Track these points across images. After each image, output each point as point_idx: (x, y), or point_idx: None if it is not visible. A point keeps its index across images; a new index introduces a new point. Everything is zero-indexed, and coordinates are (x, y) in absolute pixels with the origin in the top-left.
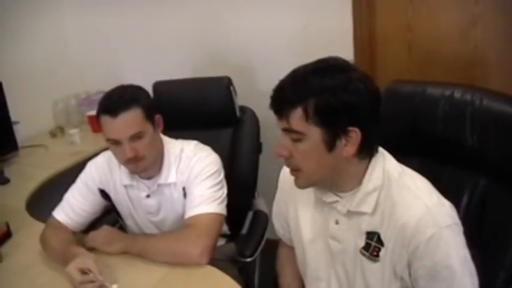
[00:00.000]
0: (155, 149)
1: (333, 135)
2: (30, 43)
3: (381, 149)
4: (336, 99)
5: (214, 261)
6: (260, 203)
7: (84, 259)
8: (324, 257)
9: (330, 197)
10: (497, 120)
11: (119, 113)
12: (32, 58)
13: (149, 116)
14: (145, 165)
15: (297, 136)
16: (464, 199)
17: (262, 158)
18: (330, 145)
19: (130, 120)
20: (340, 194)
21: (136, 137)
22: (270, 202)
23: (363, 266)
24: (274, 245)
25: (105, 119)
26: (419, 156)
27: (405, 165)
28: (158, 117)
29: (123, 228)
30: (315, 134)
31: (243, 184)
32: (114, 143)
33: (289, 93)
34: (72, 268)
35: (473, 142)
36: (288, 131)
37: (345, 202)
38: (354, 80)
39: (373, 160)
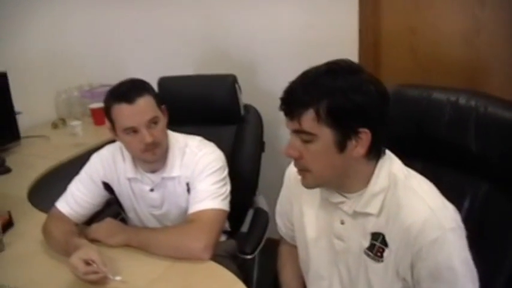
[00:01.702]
0: (166, 137)
1: (344, 136)
2: (35, 34)
3: (387, 151)
4: (348, 101)
5: (214, 257)
6: (260, 201)
7: (88, 250)
8: (327, 256)
9: (336, 198)
10: (501, 126)
11: (135, 99)
12: (36, 49)
13: (159, 104)
14: (161, 152)
15: (308, 137)
16: (466, 204)
17: (264, 157)
18: (341, 146)
19: (146, 105)
20: (346, 195)
21: (153, 122)
22: (270, 200)
23: (367, 266)
24: (273, 243)
25: (121, 107)
26: (422, 159)
27: (408, 168)
28: (164, 108)
29: (124, 220)
30: (326, 135)
31: (244, 182)
32: (130, 132)
33: (301, 95)
34: (76, 258)
35: (476, 147)
36: (299, 132)
37: (351, 203)
38: (365, 81)
39: (380, 162)
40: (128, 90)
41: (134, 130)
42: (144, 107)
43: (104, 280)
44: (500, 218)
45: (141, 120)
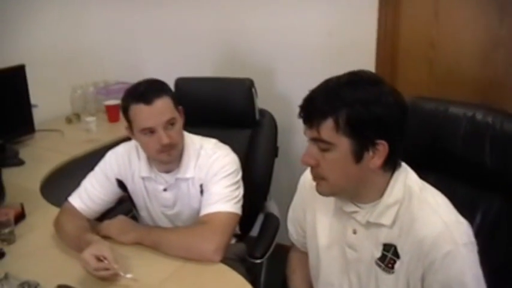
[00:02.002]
0: (183, 139)
1: (361, 146)
2: (54, 29)
3: (403, 164)
4: (368, 112)
5: (223, 259)
6: (271, 206)
7: (100, 246)
8: (338, 264)
9: (350, 207)
10: None
11: (153, 100)
12: (55, 43)
13: (176, 105)
14: (177, 153)
15: (325, 146)
16: (478, 219)
17: (277, 162)
18: (358, 156)
19: (164, 106)
20: (360, 205)
21: (170, 123)
22: (281, 206)
23: (377, 277)
24: (282, 249)
25: (139, 108)
26: (435, 172)
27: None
28: (181, 109)
29: (135, 218)
30: (344, 144)
31: (256, 186)
32: (148, 133)
33: (321, 104)
34: (88, 254)
35: (491, 163)
36: (317, 140)
37: (365, 213)
38: (385, 93)
39: (396, 173)
40: (146, 91)
41: (151, 131)
42: (161, 108)
43: (114, 277)
44: (511, 234)
45: (158, 121)
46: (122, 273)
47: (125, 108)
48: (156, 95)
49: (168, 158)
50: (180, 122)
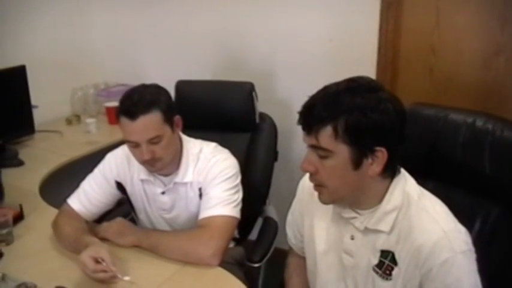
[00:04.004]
0: (172, 150)
1: (360, 154)
2: (55, 30)
3: (402, 170)
4: (366, 119)
5: (221, 263)
6: (270, 210)
7: (98, 248)
8: (335, 270)
9: (349, 213)
10: None
11: (138, 117)
12: (55, 45)
13: (168, 119)
14: (161, 165)
15: (324, 153)
16: (476, 226)
17: (277, 166)
18: (357, 163)
19: (148, 124)
20: (359, 211)
21: (154, 140)
22: (280, 210)
23: (374, 283)
24: (280, 253)
25: (124, 121)
26: (434, 179)
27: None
28: (178, 118)
29: (134, 221)
30: (342, 151)
31: (255, 190)
32: (133, 145)
33: (320, 111)
34: (86, 256)
35: (490, 170)
36: (315, 147)
37: (363, 219)
38: (384, 100)
39: (395, 180)
40: (134, 105)
41: (135, 145)
42: (146, 126)
43: (112, 279)
44: (510, 242)
45: (140, 139)
46: (119, 276)
47: (117, 115)
48: (143, 111)
49: (152, 168)
50: (167, 137)
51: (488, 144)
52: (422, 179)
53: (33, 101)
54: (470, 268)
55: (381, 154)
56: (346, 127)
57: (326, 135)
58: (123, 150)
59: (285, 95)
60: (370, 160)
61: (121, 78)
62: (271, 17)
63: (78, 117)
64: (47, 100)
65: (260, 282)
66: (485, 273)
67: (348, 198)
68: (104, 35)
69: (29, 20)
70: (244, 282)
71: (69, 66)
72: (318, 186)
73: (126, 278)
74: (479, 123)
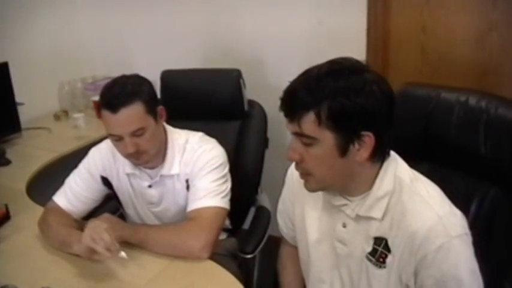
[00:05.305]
0: (157, 142)
1: (346, 139)
2: (39, 24)
3: (392, 153)
4: (351, 103)
5: (214, 255)
6: (263, 199)
7: (97, 225)
8: (328, 259)
9: (339, 200)
10: (511, 129)
11: (119, 109)
12: (41, 39)
13: (151, 110)
14: (147, 158)
15: (308, 141)
16: (473, 208)
17: (268, 154)
18: (343, 150)
19: (131, 116)
20: (349, 198)
21: (138, 132)
22: (273, 198)
23: (368, 272)
24: (275, 241)
25: (106, 114)
26: (428, 160)
27: (414, 169)
28: (161, 109)
29: (123, 216)
30: (327, 138)
31: (247, 179)
32: (116, 138)
33: (301, 96)
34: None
35: (486, 150)
36: (299, 135)
37: (354, 206)
38: (369, 82)
39: (385, 164)
40: (115, 97)
41: (118, 138)
42: (128, 118)
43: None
44: (507, 223)
45: (123, 131)
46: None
47: (100, 107)
48: (124, 103)
49: (137, 162)
50: (151, 128)
51: (482, 123)
52: (416, 162)
53: (20, 98)
54: (467, 253)
55: (368, 139)
56: (329, 113)
57: (309, 122)
58: (107, 144)
59: (274, 81)
60: (356, 146)
61: (109, 71)
62: (258, 4)
63: (66, 113)
64: (34, 96)
65: (256, 272)
66: (483, 256)
67: (337, 185)
68: (91, 27)
69: (12, 17)
70: (237, 274)
71: (55, 61)
72: (305, 174)
73: (122, 253)
74: (472, 101)
